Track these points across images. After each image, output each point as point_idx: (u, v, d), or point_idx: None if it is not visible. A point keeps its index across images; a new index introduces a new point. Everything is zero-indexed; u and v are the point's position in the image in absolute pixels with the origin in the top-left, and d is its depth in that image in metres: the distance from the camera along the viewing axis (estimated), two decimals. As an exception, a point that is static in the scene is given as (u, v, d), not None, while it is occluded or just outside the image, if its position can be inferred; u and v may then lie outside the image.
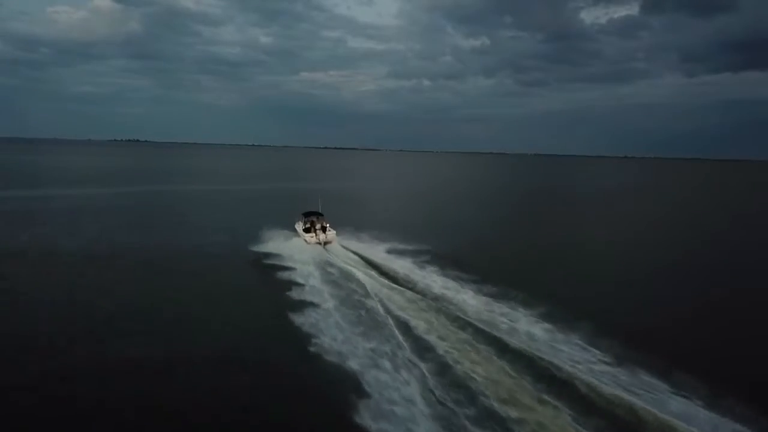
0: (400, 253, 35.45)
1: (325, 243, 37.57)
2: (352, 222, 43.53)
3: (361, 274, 29.85)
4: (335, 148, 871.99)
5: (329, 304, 24.89)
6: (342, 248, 36.67)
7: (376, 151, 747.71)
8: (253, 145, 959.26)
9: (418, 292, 26.80)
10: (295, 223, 42.39)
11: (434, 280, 29.40)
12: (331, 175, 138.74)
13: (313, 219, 40.71)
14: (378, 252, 35.64)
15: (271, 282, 29.76)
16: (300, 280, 28.84)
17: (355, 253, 35.47)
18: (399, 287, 27.53)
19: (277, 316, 23.70)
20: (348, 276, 29.58)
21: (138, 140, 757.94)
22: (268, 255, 35.00)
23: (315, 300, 25.46)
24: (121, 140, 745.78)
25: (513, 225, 57.61)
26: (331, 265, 32.08)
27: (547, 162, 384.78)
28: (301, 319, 22.87)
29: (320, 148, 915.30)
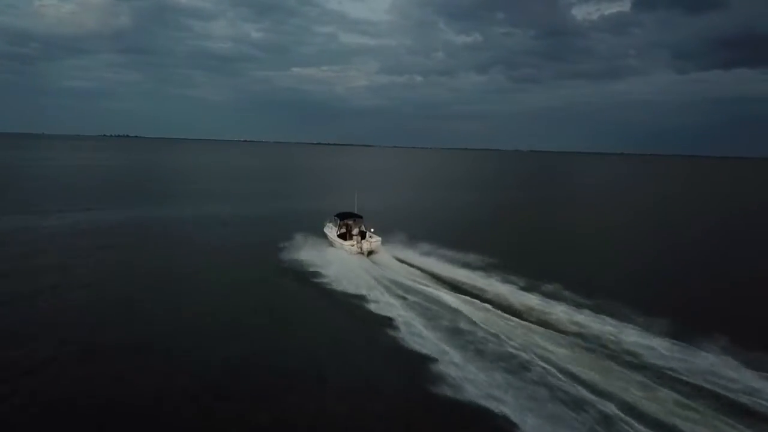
0: (464, 264, 29.68)
1: (369, 252, 31.48)
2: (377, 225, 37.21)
3: (451, 298, 23.72)
4: (329, 144, 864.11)
5: (449, 354, 17.92)
6: (394, 259, 30.53)
7: (370, 148, 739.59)
8: (246, 140, 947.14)
9: (554, 327, 20.60)
10: (324, 226, 36.19)
11: (548, 303, 23.44)
12: (338, 174, 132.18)
13: (348, 222, 34.56)
14: (439, 264, 29.66)
15: (330, 310, 23.51)
16: (377, 309, 22.36)
17: (412, 265, 29.41)
18: (519, 319, 21.45)
19: (384, 375, 17.26)
20: (432, 300, 23.43)
21: (128, 136, 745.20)
22: (302, 270, 28.95)
23: (419, 345, 18.71)
24: (111, 136, 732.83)
25: (559, 225, 51.68)
26: (397, 284, 25.92)
27: (545, 158, 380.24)
28: (433, 386, 15.96)
29: (313, 144, 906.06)
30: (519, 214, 59.38)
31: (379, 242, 32.24)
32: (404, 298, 23.76)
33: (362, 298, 23.84)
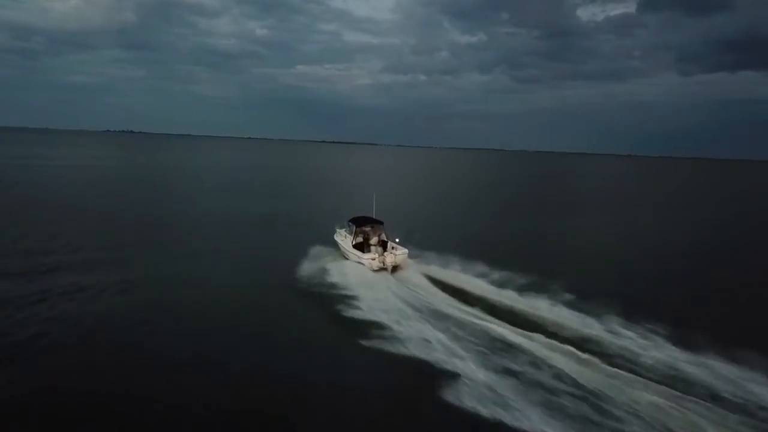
0: (505, 283, 24.08)
1: (394, 268, 25.72)
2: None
3: (510, 332, 18.32)
4: (333, 142, 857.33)
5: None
6: (424, 278, 24.73)
7: (374, 146, 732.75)
8: (249, 137, 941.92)
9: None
10: (335, 233, 30.48)
11: (640, 346, 17.80)
12: (346, 173, 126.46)
13: (366, 230, 28.74)
14: (479, 283, 23.97)
15: (360, 353, 17.49)
16: (420, 351, 16.73)
17: (449, 285, 23.64)
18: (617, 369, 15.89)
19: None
20: (489, 337, 18.00)
21: (132, 131, 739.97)
22: (315, 291, 23.27)
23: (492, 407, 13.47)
24: (114, 131, 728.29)
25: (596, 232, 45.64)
26: (439, 313, 20.13)
27: (554, 160, 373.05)
28: None
29: (317, 141, 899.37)
30: (552, 221, 53.40)
31: (406, 255, 26.46)
32: (454, 335, 18.07)
33: (396, 333, 18.05)
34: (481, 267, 26.11)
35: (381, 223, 28.81)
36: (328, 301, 21.66)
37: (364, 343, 17.52)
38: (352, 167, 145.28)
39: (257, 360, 16.41)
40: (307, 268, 26.10)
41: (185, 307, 20.86)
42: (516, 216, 54.32)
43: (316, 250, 29.07)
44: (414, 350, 16.77)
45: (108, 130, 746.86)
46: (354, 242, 27.99)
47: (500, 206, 63.80)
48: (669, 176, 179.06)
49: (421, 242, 29.84)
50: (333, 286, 23.30)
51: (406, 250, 26.60)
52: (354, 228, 28.44)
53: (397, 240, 27.28)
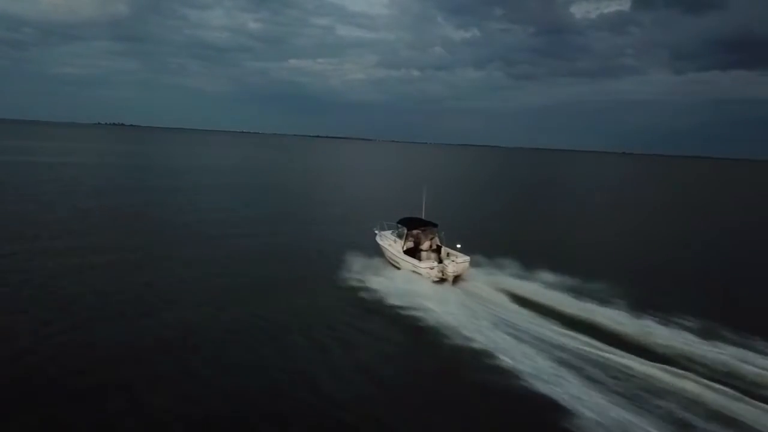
0: (590, 297, 20.08)
1: (455, 278, 21.95)
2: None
3: (629, 360, 14.95)
4: (327, 137, 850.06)
5: None
6: (495, 290, 20.94)
7: (369, 141, 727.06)
8: (242, 131, 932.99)
9: None
10: (378, 236, 26.69)
11: None
12: (357, 169, 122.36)
13: (418, 233, 24.87)
14: (565, 298, 20.18)
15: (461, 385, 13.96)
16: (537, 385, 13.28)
17: (530, 301, 19.80)
18: None
19: None
20: (611, 367, 14.59)
21: (123, 124, 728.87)
22: (375, 307, 19.47)
23: None
24: (105, 124, 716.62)
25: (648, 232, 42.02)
26: (537, 337, 16.47)
27: (553, 157, 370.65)
28: None
29: (312, 136, 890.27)
30: (588, 221, 49.89)
31: (468, 263, 22.66)
32: (560, 360, 14.77)
33: (500, 361, 14.44)
34: (547, 275, 22.38)
35: (435, 225, 24.91)
36: (400, 321, 17.83)
37: (470, 376, 13.96)
38: (361, 163, 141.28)
39: (331, 397, 12.56)
40: (353, 279, 22.34)
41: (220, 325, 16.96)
42: (553, 216, 50.61)
43: (355, 256, 25.16)
44: (525, 381, 13.41)
45: (98, 123, 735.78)
46: (405, 247, 24.16)
47: (530, 205, 60.05)
48: (682, 175, 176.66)
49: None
50: (396, 301, 19.45)
51: (467, 258, 22.79)
52: (405, 231, 24.55)
53: (458, 246, 23.41)
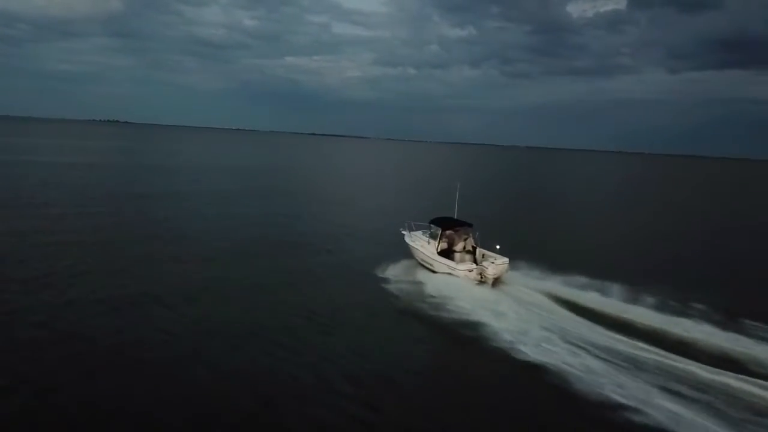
0: (639, 301, 19.28)
1: (494, 280, 21.10)
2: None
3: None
4: (324, 135, 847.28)
5: None
6: (539, 294, 20.07)
7: (366, 139, 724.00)
8: (238, 129, 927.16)
9: None
10: (407, 236, 25.82)
11: None
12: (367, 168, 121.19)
13: (451, 233, 23.98)
14: (617, 304, 19.33)
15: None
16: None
17: (583, 307, 18.91)
18: None
19: None
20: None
21: (117, 121, 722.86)
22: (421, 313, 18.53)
23: None
24: (100, 120, 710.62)
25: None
26: (587, 342, 15.65)
27: (551, 155, 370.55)
28: None
29: (308, 134, 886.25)
30: (614, 220, 49.19)
31: (507, 265, 21.78)
32: (631, 373, 13.78)
33: (571, 376, 13.46)
34: (582, 278, 21.48)
35: (470, 225, 24.00)
36: (451, 329, 16.91)
37: (547, 390, 13.12)
38: (363, 163, 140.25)
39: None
40: (389, 283, 21.47)
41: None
42: (568, 215, 49.93)
43: (382, 258, 24.35)
44: (607, 396, 12.57)
45: (93, 120, 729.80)
46: (439, 248, 23.26)
47: (542, 205, 59.25)
48: (691, 175, 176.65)
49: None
50: (441, 307, 18.55)
51: (506, 259, 21.90)
52: (439, 231, 23.62)
53: (498, 247, 22.49)
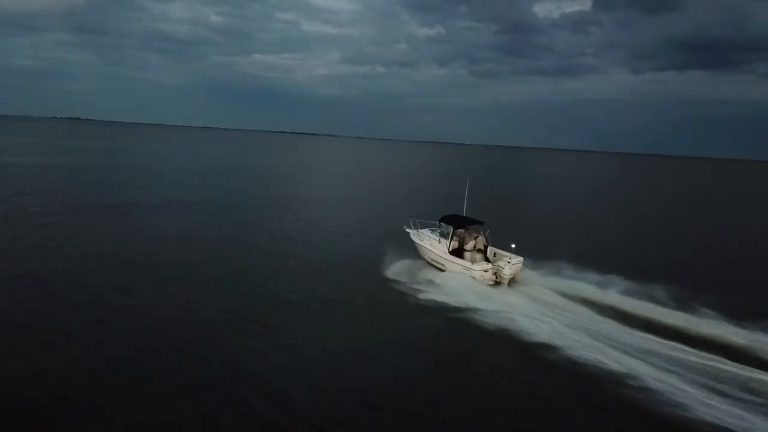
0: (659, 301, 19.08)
1: (510, 280, 20.57)
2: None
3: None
4: (294, 133, 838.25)
5: None
6: (559, 295, 19.56)
7: (336, 137, 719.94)
8: (205, 127, 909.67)
9: None
10: (414, 234, 25.09)
11: None
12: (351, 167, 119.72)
13: (461, 232, 23.34)
14: (642, 303, 18.98)
15: None
16: None
17: (610, 307, 18.47)
18: None
19: None
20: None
21: (79, 118, 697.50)
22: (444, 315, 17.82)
23: None
24: (61, 118, 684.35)
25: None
26: (621, 343, 15.24)
27: (517, 154, 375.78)
28: None
29: (277, 132, 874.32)
30: (615, 219, 49.53)
31: (521, 264, 21.28)
32: (681, 375, 13.42)
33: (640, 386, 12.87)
34: (595, 276, 21.25)
35: (481, 223, 23.43)
36: (474, 331, 16.30)
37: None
38: (343, 161, 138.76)
39: None
40: (402, 285, 20.68)
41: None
42: (560, 211, 50.08)
43: (386, 258, 23.50)
44: (655, 398, 12.27)
45: (54, 117, 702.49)
46: (450, 248, 22.58)
47: (548, 202, 59.43)
48: (664, 175, 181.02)
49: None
50: (461, 309, 17.89)
51: (521, 258, 21.42)
52: (451, 229, 22.93)
53: (513, 246, 21.92)
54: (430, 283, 20.77)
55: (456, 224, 22.99)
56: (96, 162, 73.71)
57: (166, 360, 13.42)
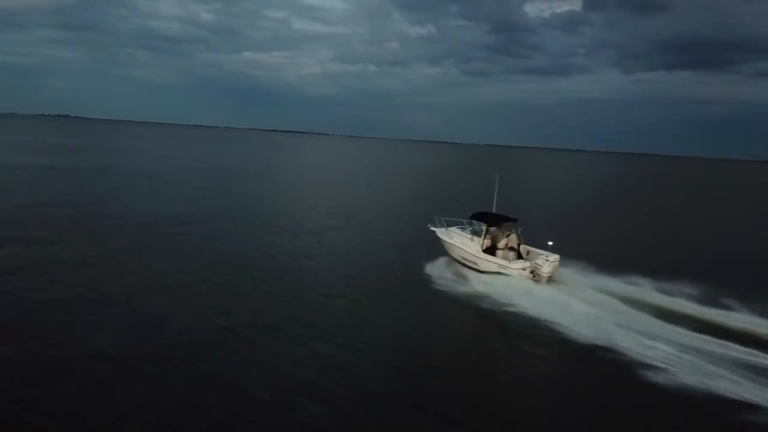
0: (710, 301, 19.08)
1: (548, 279, 20.56)
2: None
3: None
4: (285, 132, 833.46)
5: None
6: (599, 293, 19.53)
7: (328, 136, 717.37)
8: (195, 125, 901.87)
9: None
10: (440, 231, 25.03)
11: None
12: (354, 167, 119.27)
13: (494, 230, 23.32)
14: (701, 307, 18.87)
15: None
16: None
17: (646, 304, 18.48)
18: None
19: None
20: None
21: (68, 116, 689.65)
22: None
23: None
24: (50, 115, 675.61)
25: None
26: (682, 347, 15.07)
27: (510, 153, 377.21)
28: None
29: (268, 130, 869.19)
30: (636, 217, 49.73)
31: (558, 262, 21.27)
32: (757, 381, 13.28)
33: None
34: (626, 273, 21.33)
35: (515, 220, 23.42)
36: (521, 331, 16.38)
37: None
38: (342, 161, 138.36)
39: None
40: (434, 284, 20.62)
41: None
42: (580, 209, 50.21)
43: (415, 258, 23.42)
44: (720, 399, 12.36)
45: (42, 114, 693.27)
46: (484, 246, 22.55)
47: (560, 201, 59.50)
48: (689, 175, 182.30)
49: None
50: (505, 308, 17.88)
51: (557, 256, 21.44)
52: (485, 228, 22.86)
53: (550, 243, 21.85)
54: (467, 281, 20.80)
55: (489, 221, 23.00)
56: (78, 164, 72.76)
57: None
